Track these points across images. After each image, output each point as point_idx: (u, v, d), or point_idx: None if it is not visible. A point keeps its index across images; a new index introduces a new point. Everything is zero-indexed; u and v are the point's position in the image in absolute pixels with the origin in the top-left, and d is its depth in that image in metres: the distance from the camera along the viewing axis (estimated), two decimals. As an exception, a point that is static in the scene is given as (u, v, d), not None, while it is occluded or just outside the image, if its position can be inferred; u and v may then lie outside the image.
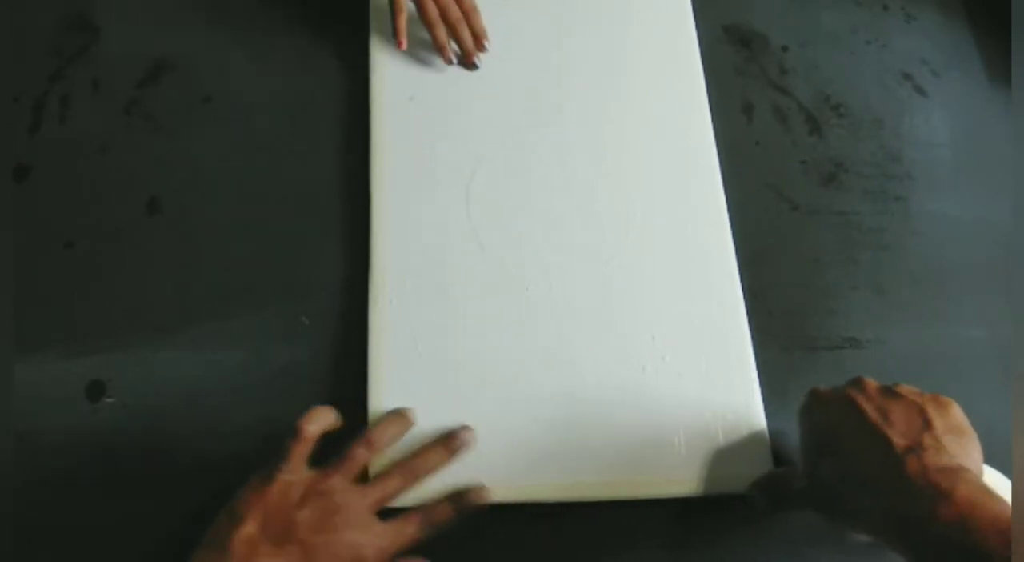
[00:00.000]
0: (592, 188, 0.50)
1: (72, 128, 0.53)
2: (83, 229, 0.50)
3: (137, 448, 0.44)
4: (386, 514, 0.39)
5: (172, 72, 0.55)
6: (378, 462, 0.41)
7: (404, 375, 0.44)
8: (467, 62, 0.53)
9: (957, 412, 0.36)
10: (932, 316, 0.51)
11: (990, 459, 0.37)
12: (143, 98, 0.54)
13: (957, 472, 0.31)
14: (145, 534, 0.42)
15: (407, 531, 0.38)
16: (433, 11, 0.51)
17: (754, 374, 0.45)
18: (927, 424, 0.34)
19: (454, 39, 0.52)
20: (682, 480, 0.41)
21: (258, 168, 0.53)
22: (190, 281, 0.49)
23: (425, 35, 0.53)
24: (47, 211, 0.50)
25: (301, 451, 0.38)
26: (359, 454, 0.39)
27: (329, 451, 0.40)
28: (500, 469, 0.41)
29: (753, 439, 0.43)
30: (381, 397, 0.43)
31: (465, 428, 0.42)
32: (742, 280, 0.49)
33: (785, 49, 0.60)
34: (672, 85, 0.54)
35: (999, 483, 0.37)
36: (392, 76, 0.53)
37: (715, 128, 0.54)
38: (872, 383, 0.38)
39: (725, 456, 0.42)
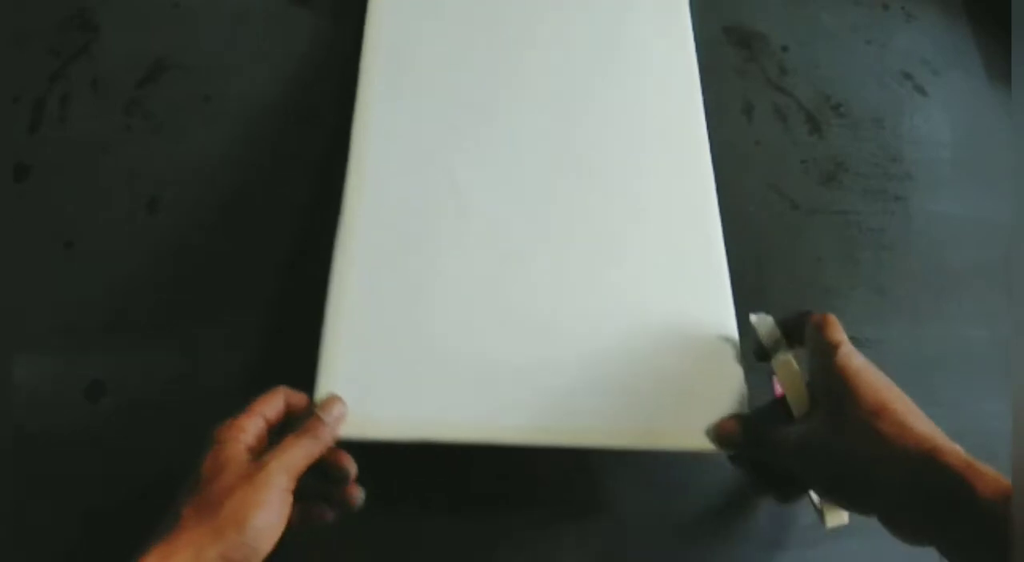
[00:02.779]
0: (580, 164, 0.49)
1: (72, 128, 0.53)
2: (83, 229, 0.50)
3: (137, 448, 0.44)
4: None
5: (172, 72, 0.55)
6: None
7: (364, 328, 0.42)
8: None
9: None
10: (932, 316, 0.51)
11: (990, 459, 0.37)
12: (143, 98, 0.54)
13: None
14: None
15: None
16: None
17: (735, 333, 0.44)
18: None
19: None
20: (654, 433, 0.40)
21: (258, 168, 0.53)
22: (190, 281, 0.49)
23: (423, 25, 0.53)
24: (47, 211, 0.50)
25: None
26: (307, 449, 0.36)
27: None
28: (471, 409, 0.40)
29: (732, 398, 0.41)
30: (338, 346, 0.41)
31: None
32: (742, 280, 0.49)
33: (785, 49, 0.60)
34: (661, 61, 0.54)
35: None
36: (385, 69, 0.52)
37: (715, 128, 0.54)
38: None
39: (703, 412, 0.40)
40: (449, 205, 0.46)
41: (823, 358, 0.36)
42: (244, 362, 0.46)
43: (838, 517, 0.38)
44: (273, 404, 0.37)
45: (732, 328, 0.44)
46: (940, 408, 0.37)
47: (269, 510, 0.33)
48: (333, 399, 0.38)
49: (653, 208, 0.48)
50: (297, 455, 0.35)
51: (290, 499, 0.34)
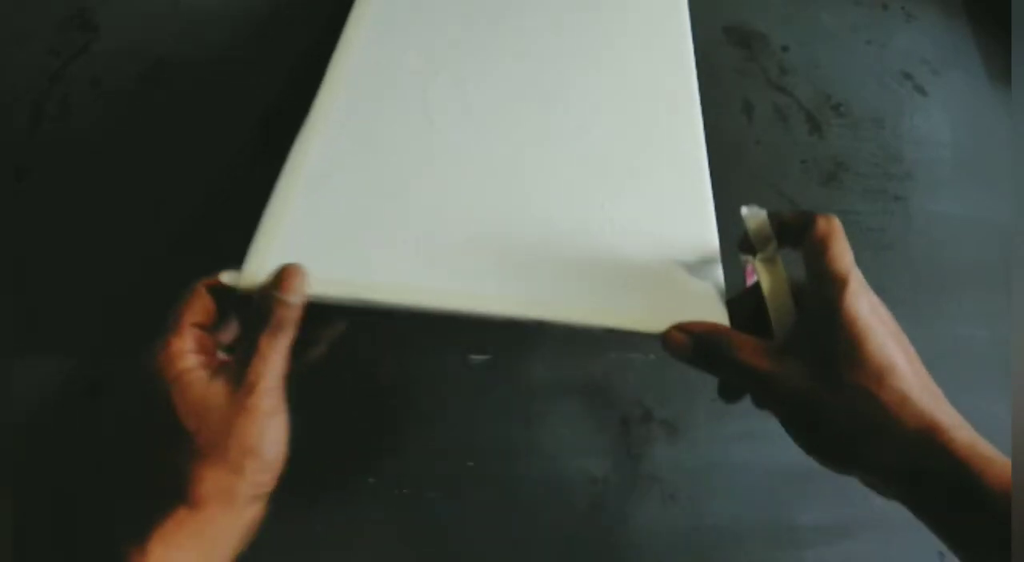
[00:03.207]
0: (557, 98, 0.47)
1: (72, 128, 0.53)
2: (83, 229, 0.50)
3: (137, 448, 0.44)
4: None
5: (172, 71, 0.55)
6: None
7: (311, 197, 0.39)
8: None
9: None
10: (932, 316, 0.51)
11: (990, 459, 0.38)
12: (143, 97, 0.54)
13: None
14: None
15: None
16: None
17: (713, 225, 0.42)
18: None
19: None
20: (609, 311, 0.36)
21: (260, 168, 0.52)
22: (191, 281, 0.49)
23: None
24: (47, 211, 0.50)
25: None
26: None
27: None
28: (409, 272, 0.37)
29: (708, 288, 0.38)
30: (283, 207, 0.39)
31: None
32: (741, 280, 0.49)
33: (785, 49, 0.60)
34: (655, 36, 0.52)
35: None
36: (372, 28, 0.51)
37: (715, 128, 0.54)
38: None
39: (674, 295, 0.38)
40: (420, 115, 0.45)
41: (824, 290, 0.30)
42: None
43: None
44: (200, 308, 0.33)
45: (712, 228, 0.41)
46: (940, 408, 0.37)
47: (274, 427, 0.30)
48: (290, 270, 0.33)
49: (637, 126, 0.46)
50: (277, 360, 0.31)
51: (283, 397, 0.31)
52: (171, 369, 0.31)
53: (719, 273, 0.38)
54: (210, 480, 0.29)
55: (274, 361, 0.31)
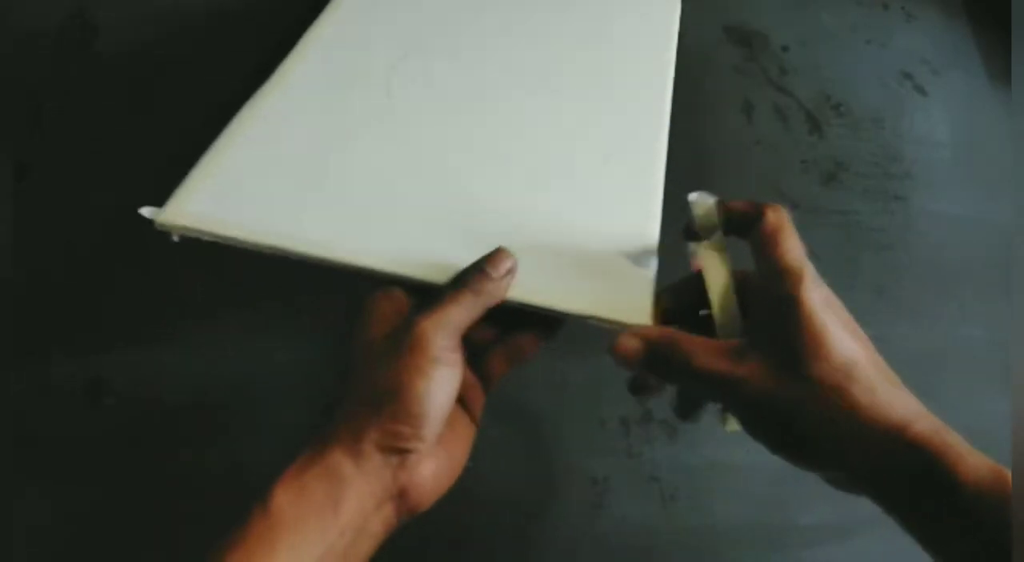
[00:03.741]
0: (525, 84, 0.47)
1: (72, 127, 0.53)
2: (83, 229, 0.50)
3: (137, 448, 0.44)
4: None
5: (171, 71, 0.55)
6: None
7: (255, 149, 0.40)
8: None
9: None
10: (932, 316, 0.51)
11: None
12: (143, 97, 0.54)
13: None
14: (145, 534, 0.42)
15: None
16: None
17: (657, 218, 0.41)
18: None
19: None
20: (533, 288, 0.35)
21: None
22: (190, 281, 0.49)
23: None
24: (47, 211, 0.50)
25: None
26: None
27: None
28: (338, 228, 0.37)
29: (636, 276, 0.38)
30: (224, 152, 0.39)
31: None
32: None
33: (785, 49, 0.60)
34: (639, 24, 0.52)
35: None
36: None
37: (715, 128, 0.54)
38: None
39: (598, 279, 0.37)
40: (380, 87, 0.45)
41: (778, 286, 0.29)
42: (244, 361, 0.46)
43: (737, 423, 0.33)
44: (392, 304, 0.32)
45: (655, 222, 0.40)
46: (940, 408, 0.37)
47: (431, 378, 0.28)
48: (502, 253, 0.32)
49: (600, 118, 0.46)
50: (455, 313, 0.30)
51: (456, 359, 0.29)
52: (373, 299, 0.32)
53: (653, 264, 0.37)
54: (345, 411, 0.28)
55: (447, 312, 0.30)
